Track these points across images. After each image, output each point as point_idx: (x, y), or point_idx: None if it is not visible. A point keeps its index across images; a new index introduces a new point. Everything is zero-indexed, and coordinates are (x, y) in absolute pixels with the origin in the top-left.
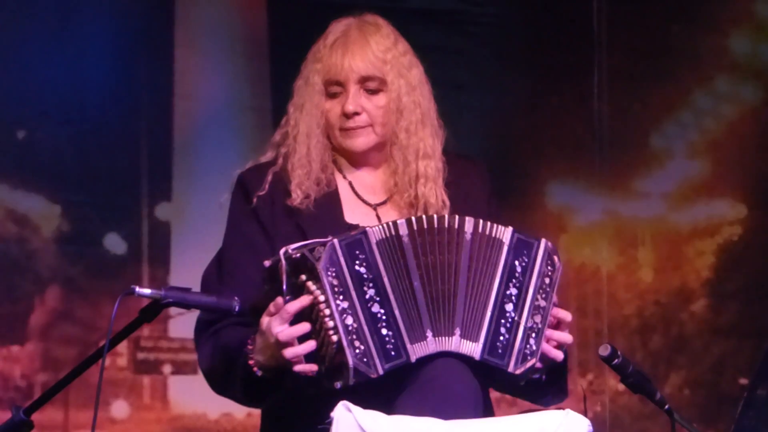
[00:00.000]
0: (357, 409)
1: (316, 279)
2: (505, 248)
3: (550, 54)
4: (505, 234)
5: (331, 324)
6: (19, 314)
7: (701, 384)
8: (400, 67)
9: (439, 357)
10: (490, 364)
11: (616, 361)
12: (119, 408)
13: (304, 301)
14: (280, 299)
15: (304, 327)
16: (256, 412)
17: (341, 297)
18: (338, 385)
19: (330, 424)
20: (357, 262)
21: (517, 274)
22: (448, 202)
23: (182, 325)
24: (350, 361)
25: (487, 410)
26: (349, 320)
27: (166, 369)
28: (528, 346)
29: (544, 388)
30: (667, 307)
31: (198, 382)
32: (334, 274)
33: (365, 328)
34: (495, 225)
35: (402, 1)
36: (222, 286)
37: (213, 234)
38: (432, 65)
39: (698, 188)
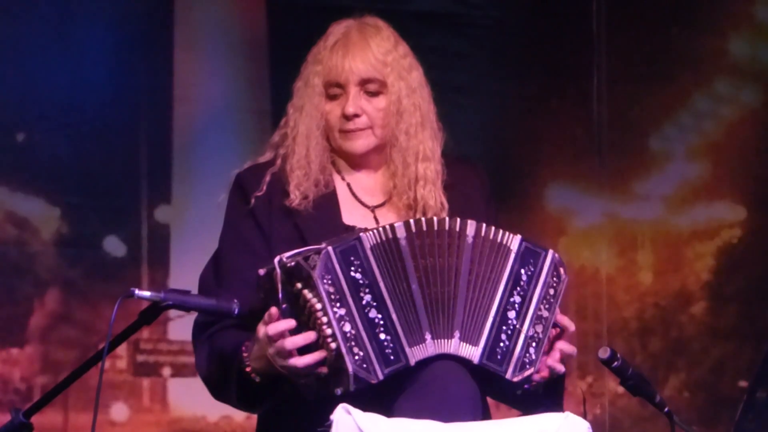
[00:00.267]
0: (357, 412)
1: (312, 287)
2: (512, 256)
3: (549, 56)
4: (513, 241)
5: (329, 331)
6: (19, 317)
7: (701, 386)
8: (400, 69)
9: (437, 360)
10: (489, 369)
11: (615, 363)
12: (119, 410)
13: (309, 337)
14: (274, 309)
15: (307, 337)
16: (255, 415)
17: (338, 304)
18: (339, 391)
19: (329, 426)
20: (352, 268)
21: (522, 283)
22: (446, 205)
23: (182, 327)
24: (350, 367)
25: (485, 414)
26: (347, 327)
27: (166, 371)
28: (527, 354)
29: (540, 400)
30: (667, 310)
31: (197, 384)
32: (329, 282)
33: (363, 334)
34: (503, 231)
35: (401, 4)
36: (219, 288)
37: (213, 236)
38: (431, 68)
39: (698, 191)
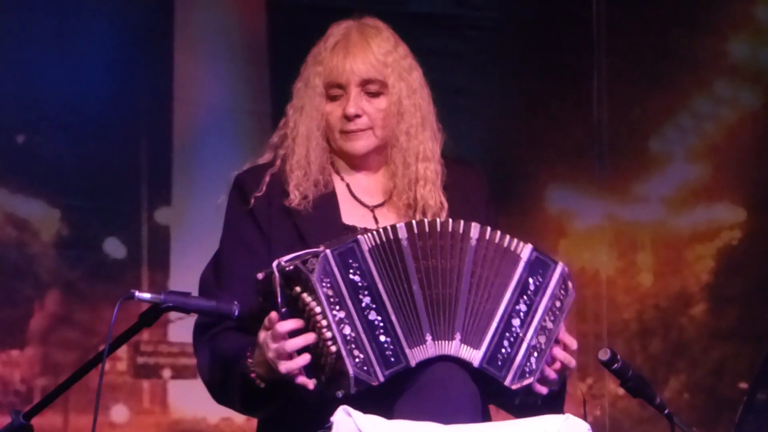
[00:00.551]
0: (357, 414)
1: (311, 291)
2: (522, 264)
3: (549, 58)
4: (524, 250)
5: (329, 335)
6: (19, 319)
7: (701, 388)
8: (400, 70)
9: (438, 361)
10: (488, 373)
11: (615, 365)
12: (119, 412)
13: (297, 323)
14: (274, 313)
15: (307, 338)
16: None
17: (337, 307)
18: (340, 394)
19: (330, 428)
20: (351, 270)
21: (529, 292)
22: (446, 205)
23: (182, 329)
24: (350, 370)
25: (485, 416)
26: (347, 330)
27: (166, 373)
28: (528, 363)
29: (538, 412)
30: (667, 311)
31: (198, 386)
32: (329, 285)
33: (363, 336)
34: (514, 239)
35: (401, 5)
36: (219, 289)
37: (213, 238)
38: (431, 69)
39: (698, 192)
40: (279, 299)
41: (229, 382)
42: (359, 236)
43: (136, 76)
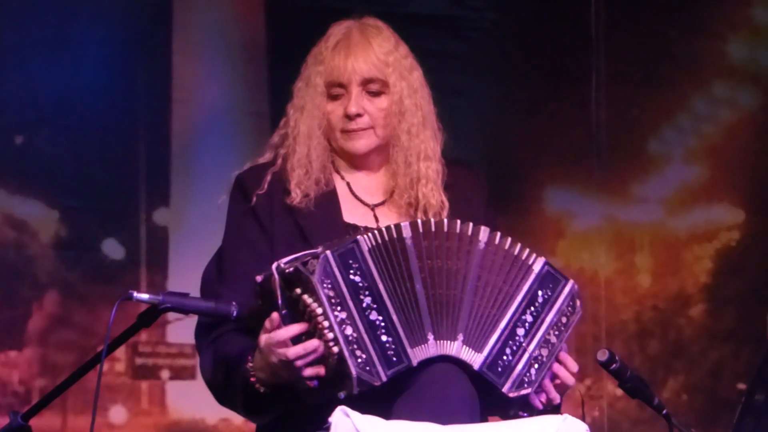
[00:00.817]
0: (355, 414)
1: (312, 292)
2: (533, 276)
3: (548, 59)
4: (537, 262)
5: (330, 336)
6: (17, 320)
7: (699, 389)
8: (401, 69)
9: (437, 362)
10: (486, 378)
11: (614, 366)
12: (117, 413)
13: (302, 327)
14: (275, 315)
15: (306, 347)
16: None
17: (339, 308)
18: (342, 395)
19: (328, 429)
20: (351, 271)
21: (537, 304)
22: (447, 204)
23: (180, 330)
24: (353, 371)
25: (483, 419)
26: (349, 330)
27: (164, 374)
28: (528, 374)
29: None
30: (665, 312)
31: (196, 387)
32: (330, 286)
33: (365, 336)
34: (527, 249)
35: (399, 6)
36: (221, 286)
37: (211, 239)
38: (429, 70)
39: (696, 193)
40: (279, 301)
41: (230, 386)
42: (359, 237)
43: (135, 77)
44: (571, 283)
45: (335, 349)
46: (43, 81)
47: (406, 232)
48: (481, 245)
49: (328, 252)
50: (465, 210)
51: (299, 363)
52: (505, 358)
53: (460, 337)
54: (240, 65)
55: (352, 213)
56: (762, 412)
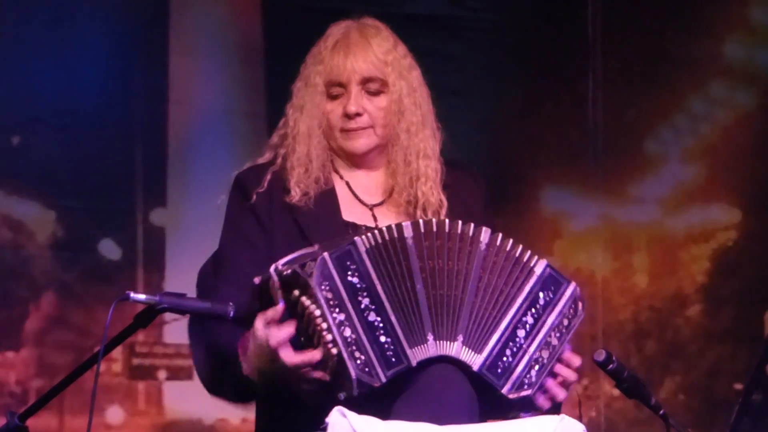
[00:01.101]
0: (352, 415)
1: (310, 294)
2: (535, 277)
3: (544, 59)
4: (539, 265)
5: (329, 337)
6: (14, 320)
7: (696, 389)
8: (400, 68)
9: (436, 363)
10: (486, 379)
11: (611, 366)
12: (114, 414)
13: (314, 356)
14: (270, 311)
15: (314, 355)
16: (252, 418)
17: (337, 310)
18: (342, 396)
19: (325, 429)
20: (349, 273)
21: (538, 306)
22: (445, 203)
23: (177, 331)
24: (353, 372)
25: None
26: (347, 332)
27: (161, 375)
28: (528, 375)
29: None
30: (662, 312)
31: (193, 387)
32: (328, 288)
33: (364, 338)
34: (527, 250)
35: (397, 6)
36: (217, 280)
37: (208, 239)
38: (426, 70)
39: (693, 193)
40: (279, 302)
41: (224, 374)
42: (356, 238)
43: (132, 78)
44: (573, 285)
45: (334, 351)
46: (40, 81)
47: (408, 232)
48: (483, 246)
49: (325, 254)
50: (462, 211)
51: (304, 370)
52: (505, 359)
53: (460, 337)
54: (237, 66)
55: (351, 212)
56: (759, 412)
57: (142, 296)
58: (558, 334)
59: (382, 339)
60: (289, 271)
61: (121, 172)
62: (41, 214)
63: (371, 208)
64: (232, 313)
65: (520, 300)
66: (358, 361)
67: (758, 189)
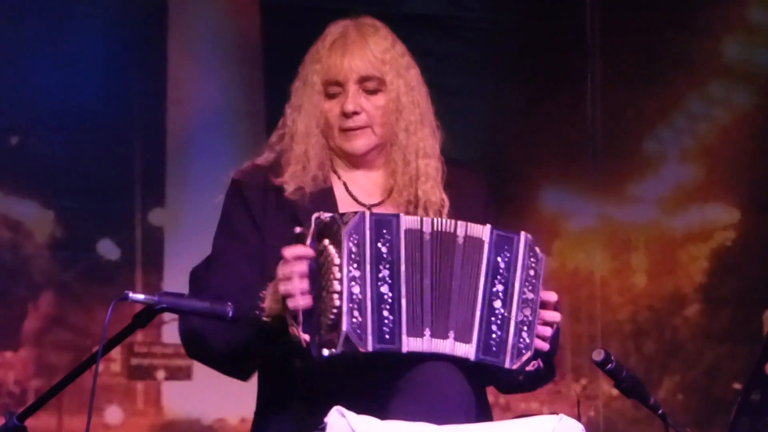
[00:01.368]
0: (351, 414)
1: (338, 243)
2: (486, 246)
3: (543, 59)
4: (484, 232)
5: (338, 288)
6: (13, 320)
7: (695, 389)
8: (398, 67)
9: (432, 361)
10: (487, 363)
11: (609, 365)
12: (113, 413)
13: (309, 251)
14: (299, 247)
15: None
16: (250, 417)
17: (355, 265)
18: (326, 352)
19: (323, 429)
20: (381, 240)
21: (501, 271)
22: (447, 202)
23: (176, 330)
24: (345, 326)
25: (485, 413)
26: (356, 289)
27: (160, 374)
28: (521, 340)
29: (541, 375)
30: (661, 312)
31: (192, 387)
32: (355, 242)
33: (368, 303)
34: (474, 225)
35: (395, 6)
36: (208, 273)
37: (207, 239)
38: (425, 70)
39: (692, 193)
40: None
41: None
42: (401, 214)
43: (130, 78)
44: (523, 235)
45: (337, 302)
46: (39, 81)
47: (426, 227)
48: (460, 240)
49: (366, 212)
50: (464, 209)
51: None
52: (494, 336)
53: (451, 334)
54: (235, 66)
55: (348, 210)
56: (758, 412)
57: (140, 296)
58: (530, 287)
59: (385, 313)
60: (328, 218)
61: (120, 172)
62: (40, 214)
63: (369, 208)
64: (231, 313)
65: (483, 274)
66: (354, 321)
67: (757, 189)
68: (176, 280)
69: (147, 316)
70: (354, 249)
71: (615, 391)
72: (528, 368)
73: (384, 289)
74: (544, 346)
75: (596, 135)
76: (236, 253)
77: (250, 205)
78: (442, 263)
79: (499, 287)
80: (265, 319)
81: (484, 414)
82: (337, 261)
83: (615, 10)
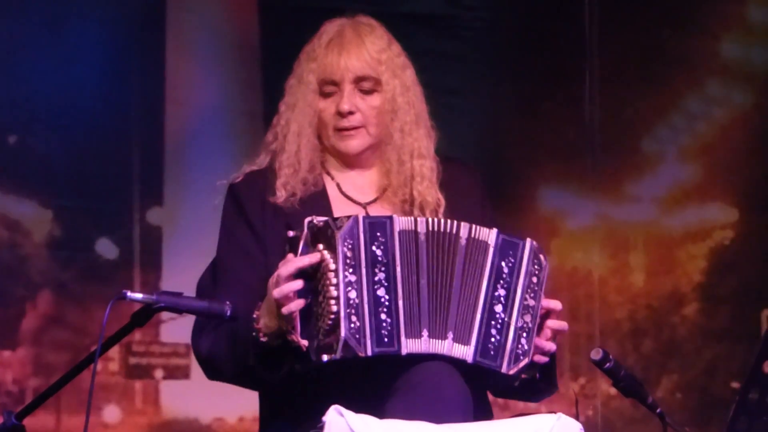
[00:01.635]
0: (349, 414)
1: (332, 248)
2: (491, 250)
3: (542, 58)
4: (490, 236)
5: (334, 293)
6: (11, 319)
7: (693, 388)
8: (394, 67)
9: (430, 361)
10: (484, 366)
11: (607, 365)
12: (111, 413)
13: (313, 258)
14: (290, 255)
15: (298, 283)
16: (248, 417)
17: (351, 270)
18: (325, 358)
19: (322, 428)
20: (375, 243)
21: (504, 275)
22: (443, 202)
23: (174, 330)
24: (343, 332)
25: (485, 413)
26: (353, 294)
27: (158, 374)
28: (520, 345)
29: (537, 384)
30: (659, 311)
31: (190, 386)
32: (350, 246)
33: (366, 307)
34: (481, 228)
35: (393, 5)
36: (217, 291)
37: (205, 238)
38: (423, 69)
39: (690, 192)
40: (300, 253)
41: (236, 340)
42: (394, 215)
43: (128, 77)
44: (528, 242)
45: (334, 308)
46: (37, 81)
47: (421, 227)
48: (463, 241)
49: (360, 215)
50: (461, 208)
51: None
52: (493, 340)
53: (450, 335)
54: (233, 65)
55: (343, 212)
56: (756, 411)
57: (138, 295)
58: (532, 294)
59: (383, 316)
60: (322, 223)
61: (118, 171)
62: (38, 213)
63: (365, 206)
64: (229, 312)
65: (486, 277)
66: (352, 325)
67: (755, 188)
68: (174, 280)
69: (145, 315)
70: (349, 254)
71: (613, 390)
72: (524, 375)
73: (381, 292)
74: (543, 359)
75: (594, 134)
76: (244, 268)
77: (250, 218)
78: (440, 263)
79: (501, 292)
80: (263, 339)
81: (484, 413)
82: (332, 266)
83: (613, 9)
